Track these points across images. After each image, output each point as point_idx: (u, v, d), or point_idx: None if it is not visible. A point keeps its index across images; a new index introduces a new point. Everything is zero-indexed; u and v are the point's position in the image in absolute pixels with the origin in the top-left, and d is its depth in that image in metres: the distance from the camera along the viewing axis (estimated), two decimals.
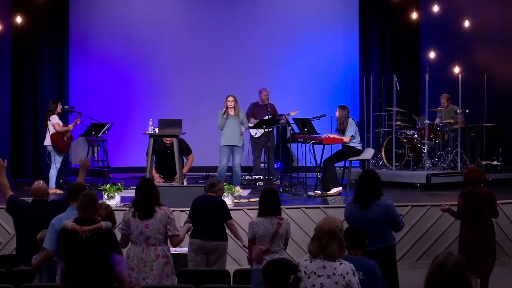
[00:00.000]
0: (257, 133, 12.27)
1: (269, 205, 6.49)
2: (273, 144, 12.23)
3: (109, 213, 6.19)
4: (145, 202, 6.18)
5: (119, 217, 6.54)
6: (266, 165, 12.02)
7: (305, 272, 4.58)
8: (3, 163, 6.90)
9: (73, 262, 5.48)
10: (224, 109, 11.07)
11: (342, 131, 10.73)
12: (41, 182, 6.94)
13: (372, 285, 5.09)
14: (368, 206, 6.29)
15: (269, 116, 11.90)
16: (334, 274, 4.61)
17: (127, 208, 6.45)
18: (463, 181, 7.73)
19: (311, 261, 4.65)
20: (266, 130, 11.59)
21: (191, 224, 7.04)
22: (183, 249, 7.61)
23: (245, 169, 12.28)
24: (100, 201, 7.78)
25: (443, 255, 3.58)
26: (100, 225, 5.59)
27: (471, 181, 7.50)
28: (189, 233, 7.13)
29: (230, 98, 11.12)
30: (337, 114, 10.81)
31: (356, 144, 10.74)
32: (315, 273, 4.60)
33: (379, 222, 6.28)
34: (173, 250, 7.79)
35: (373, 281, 5.10)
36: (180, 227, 7.12)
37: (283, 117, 12.14)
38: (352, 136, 10.65)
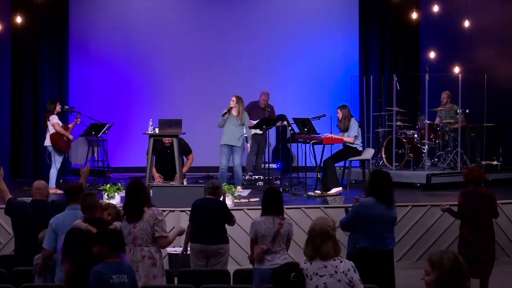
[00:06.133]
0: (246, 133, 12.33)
1: (271, 204, 6.47)
2: (264, 145, 12.29)
3: (118, 212, 6.25)
4: (133, 204, 6.15)
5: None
6: (267, 165, 12.03)
7: (306, 275, 4.56)
8: (1, 172, 6.94)
9: (83, 262, 5.46)
10: (226, 110, 11.03)
11: (345, 130, 10.70)
12: (42, 182, 6.96)
13: (136, 284, 5.28)
14: (392, 205, 6.27)
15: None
16: (336, 272, 4.60)
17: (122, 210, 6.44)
18: (463, 181, 7.71)
19: (310, 263, 4.64)
20: (265, 129, 11.65)
21: (183, 227, 6.94)
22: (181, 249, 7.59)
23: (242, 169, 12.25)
24: (103, 201, 7.81)
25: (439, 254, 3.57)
26: (115, 226, 5.65)
27: (471, 181, 7.48)
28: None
29: (232, 98, 11.07)
30: (339, 114, 10.74)
31: (358, 145, 10.72)
32: (316, 274, 4.59)
33: (395, 221, 6.32)
34: (172, 250, 7.80)
35: (134, 284, 5.26)
36: (181, 226, 7.11)
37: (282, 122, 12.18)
38: (356, 136, 10.62)
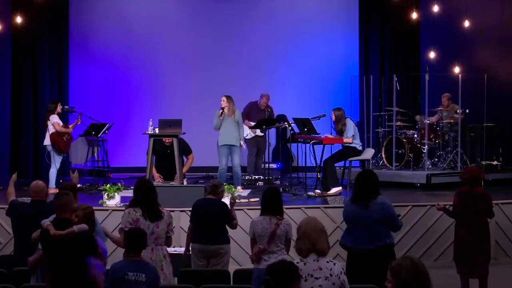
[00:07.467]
0: (248, 134, 12.29)
1: (269, 204, 6.48)
2: (263, 146, 12.28)
3: (88, 214, 5.93)
4: (153, 203, 6.22)
5: (120, 217, 6.51)
6: (266, 165, 12.03)
7: (300, 276, 4.55)
8: (15, 177, 7.17)
9: (51, 261, 5.50)
10: (221, 110, 11.03)
11: (340, 132, 10.71)
12: (40, 181, 6.96)
13: (155, 286, 5.31)
14: (367, 205, 6.30)
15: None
16: (331, 275, 4.62)
17: (131, 208, 6.32)
18: (460, 180, 7.72)
19: (304, 263, 4.64)
20: (265, 129, 11.64)
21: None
22: (182, 249, 7.59)
23: (242, 169, 12.23)
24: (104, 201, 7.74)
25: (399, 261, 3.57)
26: (72, 230, 5.56)
27: (468, 181, 7.46)
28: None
29: (223, 98, 11.08)
30: (333, 117, 10.78)
31: (357, 144, 10.72)
32: (312, 276, 4.60)
33: (377, 220, 6.31)
34: (172, 250, 7.79)
35: (155, 283, 5.30)
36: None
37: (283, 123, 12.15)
38: (353, 136, 10.63)
